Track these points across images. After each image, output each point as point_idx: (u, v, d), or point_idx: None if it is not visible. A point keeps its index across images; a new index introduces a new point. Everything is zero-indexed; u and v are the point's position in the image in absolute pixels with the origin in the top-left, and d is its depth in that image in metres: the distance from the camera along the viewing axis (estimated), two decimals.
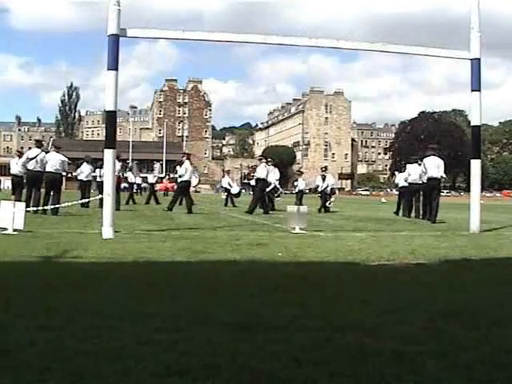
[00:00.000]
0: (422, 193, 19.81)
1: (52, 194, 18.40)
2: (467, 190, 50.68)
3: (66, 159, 19.24)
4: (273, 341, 3.77)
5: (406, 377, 3.10)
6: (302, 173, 25.84)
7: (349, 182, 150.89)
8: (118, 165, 24.42)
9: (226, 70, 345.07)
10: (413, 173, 20.92)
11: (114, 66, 12.11)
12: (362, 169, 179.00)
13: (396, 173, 25.96)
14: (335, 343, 3.74)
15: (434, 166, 18.42)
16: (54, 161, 18.29)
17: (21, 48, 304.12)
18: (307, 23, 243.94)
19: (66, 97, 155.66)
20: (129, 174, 31.35)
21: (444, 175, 18.95)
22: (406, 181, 21.93)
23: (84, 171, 26.01)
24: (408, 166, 22.46)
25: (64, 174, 19.45)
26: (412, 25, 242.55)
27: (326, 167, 27.50)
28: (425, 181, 18.84)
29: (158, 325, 4.11)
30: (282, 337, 3.88)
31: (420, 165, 19.92)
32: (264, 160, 22.89)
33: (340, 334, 3.99)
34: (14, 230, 11.46)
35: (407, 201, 22.12)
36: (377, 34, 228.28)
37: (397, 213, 23.02)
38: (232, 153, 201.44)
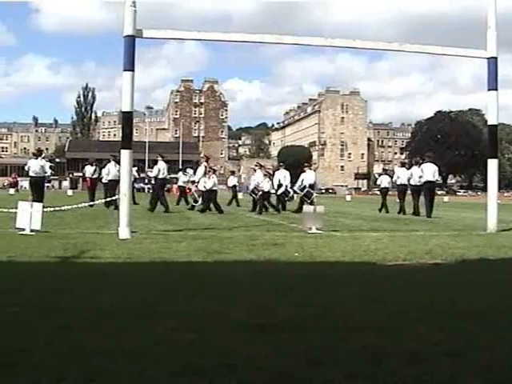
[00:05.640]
0: (410, 192, 22.80)
1: (36, 194, 19.69)
2: (484, 189, 50.33)
3: (47, 164, 21.17)
4: (289, 341, 3.77)
5: (422, 377, 3.09)
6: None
7: (365, 181, 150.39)
8: (92, 168, 25.76)
9: (252, 70, 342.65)
10: (401, 175, 23.29)
11: (130, 66, 12.15)
12: (378, 169, 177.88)
13: (376, 175, 27.91)
14: (351, 343, 3.73)
15: (431, 172, 21.23)
16: (34, 166, 20.00)
17: (49, 48, 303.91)
18: (336, 24, 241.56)
19: (82, 98, 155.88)
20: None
21: (438, 179, 22.25)
22: (394, 182, 24.31)
23: (86, 172, 27.37)
24: (396, 169, 25.60)
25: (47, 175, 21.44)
26: (442, 24, 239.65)
27: (307, 164, 26.34)
28: (415, 183, 21.82)
29: (174, 325, 4.12)
30: (298, 337, 3.88)
31: (408, 169, 23.29)
32: (160, 158, 23.22)
33: (356, 334, 3.98)
34: (32, 231, 11.54)
35: (385, 199, 25.42)
36: (406, 34, 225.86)
37: (381, 210, 24.98)
38: (248, 153, 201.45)
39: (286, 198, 24.88)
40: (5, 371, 3.09)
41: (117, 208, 22.03)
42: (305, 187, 22.66)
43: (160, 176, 22.23)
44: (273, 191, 24.44)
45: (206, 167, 23.18)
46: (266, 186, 22.23)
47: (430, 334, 4.03)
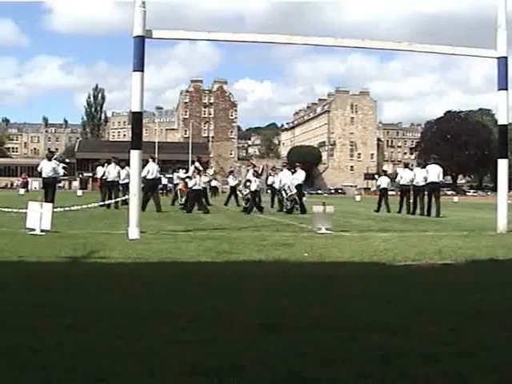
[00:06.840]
0: (412, 193, 23.72)
1: (48, 194, 20.37)
2: (494, 189, 50.25)
3: (60, 165, 22.08)
4: (298, 341, 3.76)
5: (433, 378, 3.08)
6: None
7: (374, 181, 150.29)
8: (103, 169, 26.44)
9: (264, 70, 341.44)
10: (405, 176, 24.05)
11: (139, 67, 12.16)
12: (387, 169, 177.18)
13: (376, 176, 28.74)
14: (361, 343, 3.72)
15: (435, 173, 22.11)
16: (46, 168, 20.92)
17: (62, 49, 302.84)
18: (348, 24, 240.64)
19: (92, 98, 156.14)
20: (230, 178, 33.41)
21: (443, 180, 23.24)
22: (397, 183, 25.07)
23: (98, 173, 28.28)
24: (399, 170, 26.51)
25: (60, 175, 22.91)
26: (454, 23, 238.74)
27: (298, 164, 26.23)
28: (417, 183, 22.73)
29: (183, 325, 4.12)
30: (308, 337, 3.87)
31: (412, 170, 24.25)
32: (151, 159, 23.63)
33: (366, 334, 3.97)
34: (42, 231, 11.58)
35: (387, 199, 26.25)
36: (418, 34, 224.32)
37: (377, 210, 25.66)
38: (258, 153, 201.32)
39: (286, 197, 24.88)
40: (14, 371, 3.10)
41: (116, 208, 22.69)
42: (285, 185, 23.02)
43: (149, 177, 22.49)
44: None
45: (195, 167, 23.60)
46: (253, 185, 22.56)
47: (440, 334, 4.01)
